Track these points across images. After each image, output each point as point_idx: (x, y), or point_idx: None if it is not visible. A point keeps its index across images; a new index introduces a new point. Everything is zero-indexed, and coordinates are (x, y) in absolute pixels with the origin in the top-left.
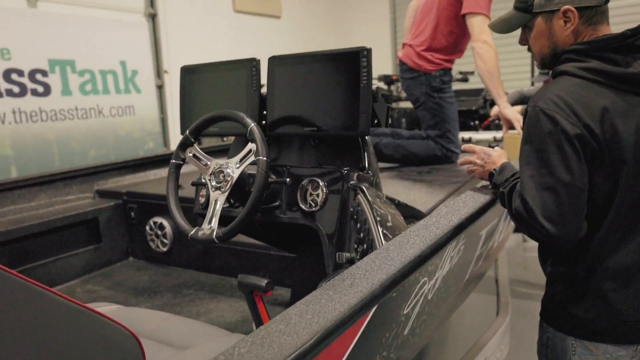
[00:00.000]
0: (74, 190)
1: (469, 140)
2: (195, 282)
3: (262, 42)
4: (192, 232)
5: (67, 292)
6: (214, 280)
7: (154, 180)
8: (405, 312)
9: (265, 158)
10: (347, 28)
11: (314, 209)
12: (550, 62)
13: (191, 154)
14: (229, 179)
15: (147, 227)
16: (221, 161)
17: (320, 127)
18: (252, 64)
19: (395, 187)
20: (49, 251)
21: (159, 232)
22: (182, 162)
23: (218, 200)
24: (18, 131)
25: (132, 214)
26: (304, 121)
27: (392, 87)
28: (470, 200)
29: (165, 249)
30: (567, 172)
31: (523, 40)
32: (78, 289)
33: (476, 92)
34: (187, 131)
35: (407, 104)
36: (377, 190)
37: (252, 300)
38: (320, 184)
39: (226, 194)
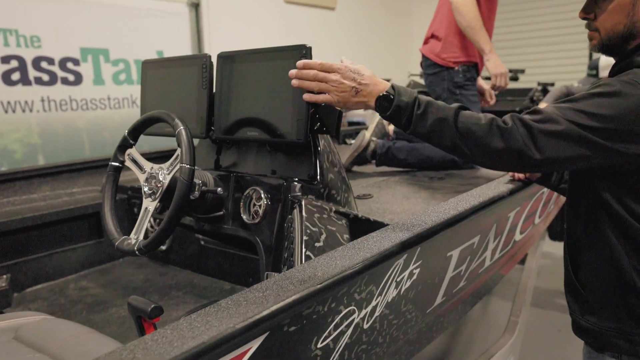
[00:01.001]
0: (81, 183)
1: None
2: (187, 284)
3: (314, 35)
4: (118, 242)
5: (60, 288)
6: (206, 283)
7: None
8: (321, 345)
9: (188, 165)
10: (406, 22)
11: (254, 221)
12: (617, 44)
13: (129, 157)
14: (159, 185)
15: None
16: (158, 166)
17: (262, 133)
18: (202, 61)
19: (394, 194)
20: (47, 244)
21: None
22: (120, 165)
23: (149, 209)
24: (47, 119)
25: (135, 209)
26: (249, 125)
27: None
28: (435, 215)
29: (164, 248)
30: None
31: (589, 11)
32: (72, 284)
33: (523, 92)
34: (126, 132)
35: None
36: (328, 203)
37: (139, 325)
38: (262, 194)
39: (156, 202)
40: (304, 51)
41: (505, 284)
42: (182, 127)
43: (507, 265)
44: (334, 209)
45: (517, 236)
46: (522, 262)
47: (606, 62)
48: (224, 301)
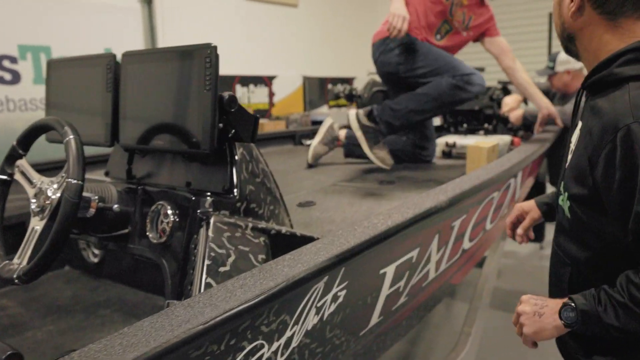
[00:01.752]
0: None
1: (453, 146)
2: (118, 300)
3: (276, 32)
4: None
5: None
6: (139, 299)
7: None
8: None
9: (75, 181)
10: (371, 19)
11: (161, 240)
12: (566, 45)
13: (19, 169)
14: (48, 202)
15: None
16: (48, 180)
17: (168, 142)
18: (107, 61)
19: (339, 201)
20: None
21: (91, 241)
22: (9, 179)
23: (36, 229)
24: None
25: None
26: (155, 133)
27: None
28: (362, 230)
29: (96, 260)
30: None
31: None
32: None
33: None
34: (15, 141)
35: None
36: (245, 219)
37: None
38: (170, 210)
39: (44, 221)
40: (208, 51)
41: (468, 285)
42: (71, 137)
43: (458, 274)
44: (251, 225)
45: (466, 244)
46: (480, 264)
47: (565, 57)
48: (95, 345)
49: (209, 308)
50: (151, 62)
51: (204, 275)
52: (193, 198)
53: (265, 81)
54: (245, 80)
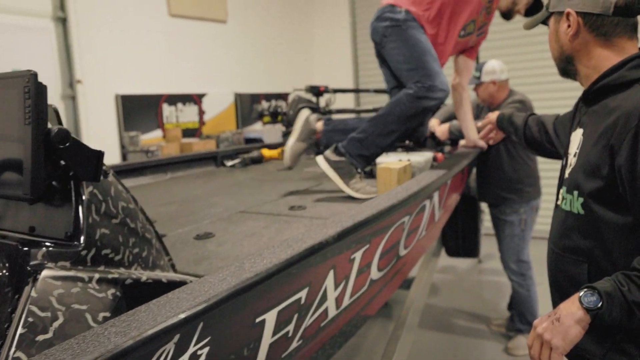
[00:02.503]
0: None
1: (374, 164)
2: None
3: (204, 49)
4: None
5: None
6: None
7: None
8: None
9: None
10: (306, 34)
11: None
12: (563, 67)
13: None
14: None
15: None
16: None
17: None
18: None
19: (240, 231)
20: None
21: None
22: None
23: None
24: None
25: None
26: None
27: (321, 99)
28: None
29: None
30: None
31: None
32: None
33: None
34: None
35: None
36: (93, 269)
37: None
38: None
39: None
40: (26, 80)
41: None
42: None
43: (372, 304)
44: (97, 276)
45: (376, 275)
46: (408, 286)
47: (491, 67)
48: None
49: None
50: None
51: (13, 349)
52: (24, 249)
53: (195, 99)
54: (173, 99)
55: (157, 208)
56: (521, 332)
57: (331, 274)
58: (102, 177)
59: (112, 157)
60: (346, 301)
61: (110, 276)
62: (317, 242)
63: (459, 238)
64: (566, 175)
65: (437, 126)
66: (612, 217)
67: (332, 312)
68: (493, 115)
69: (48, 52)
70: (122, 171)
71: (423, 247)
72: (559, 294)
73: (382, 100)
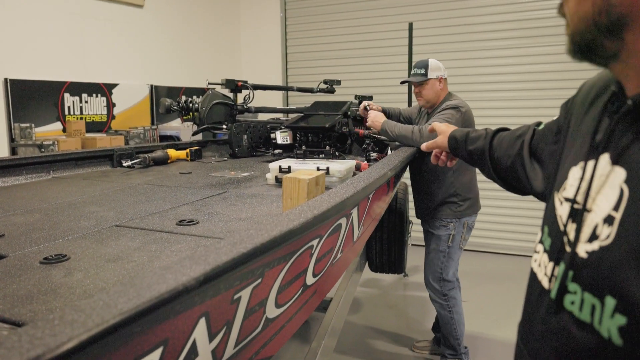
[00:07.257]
0: None
1: (288, 171)
2: None
3: (118, 35)
4: None
5: None
6: None
7: None
8: None
9: None
10: (233, 27)
11: None
12: (591, 38)
13: None
14: None
15: None
16: None
17: None
18: None
19: (102, 255)
20: None
21: None
22: None
23: None
24: None
25: None
26: None
27: (239, 96)
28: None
29: None
30: None
31: None
32: None
33: (337, 106)
34: None
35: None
36: None
37: None
38: None
39: None
40: None
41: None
42: None
43: (271, 344)
44: None
45: (272, 312)
46: (325, 308)
47: (435, 64)
48: None
49: None
50: None
51: None
52: None
53: (104, 89)
54: (77, 88)
55: (13, 217)
56: (445, 357)
57: (202, 322)
58: None
59: None
60: (230, 351)
61: None
62: (171, 289)
63: (384, 253)
64: (579, 249)
65: (374, 110)
66: None
67: None
68: (441, 139)
69: None
70: None
71: (340, 270)
72: None
73: (307, 101)
